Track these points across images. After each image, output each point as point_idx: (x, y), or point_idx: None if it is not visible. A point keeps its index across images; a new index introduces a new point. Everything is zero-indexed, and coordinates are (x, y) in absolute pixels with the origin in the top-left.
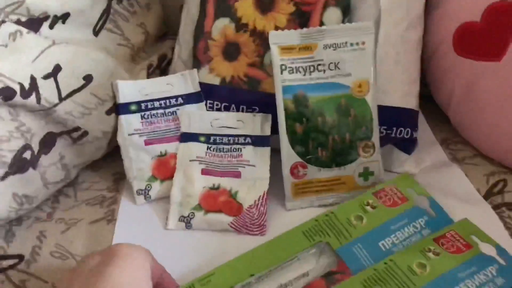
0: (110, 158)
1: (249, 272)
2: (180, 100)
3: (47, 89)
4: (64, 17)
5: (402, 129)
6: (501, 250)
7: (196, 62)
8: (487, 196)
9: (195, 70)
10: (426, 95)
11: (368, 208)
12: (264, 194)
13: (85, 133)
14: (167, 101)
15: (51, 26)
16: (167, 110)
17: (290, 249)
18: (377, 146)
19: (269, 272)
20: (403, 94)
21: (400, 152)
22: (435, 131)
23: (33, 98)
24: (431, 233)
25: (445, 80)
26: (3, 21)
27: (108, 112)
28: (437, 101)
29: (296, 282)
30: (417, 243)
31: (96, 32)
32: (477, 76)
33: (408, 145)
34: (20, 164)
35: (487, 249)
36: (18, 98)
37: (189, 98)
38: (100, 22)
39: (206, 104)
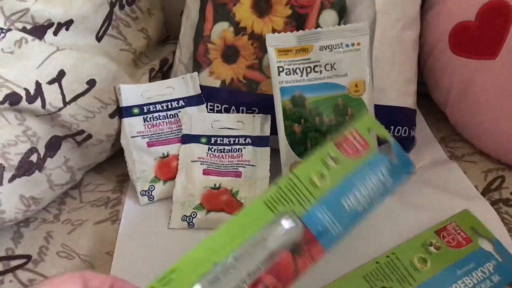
0: (114, 161)
1: (212, 261)
2: (181, 102)
3: (51, 94)
4: (68, 24)
5: (400, 127)
6: (499, 245)
7: (197, 65)
8: (485, 193)
9: (195, 73)
10: (424, 94)
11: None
12: None
13: (89, 136)
14: (169, 104)
15: (55, 33)
16: (168, 113)
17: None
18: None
19: (234, 261)
20: (400, 94)
21: None
22: (433, 129)
23: (38, 102)
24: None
25: (442, 78)
26: (9, 29)
27: (112, 116)
28: (434, 100)
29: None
30: (419, 236)
31: (99, 38)
32: (473, 74)
33: (406, 144)
34: (26, 167)
35: (486, 244)
36: (24, 103)
37: (190, 101)
38: (103, 28)
39: (207, 106)
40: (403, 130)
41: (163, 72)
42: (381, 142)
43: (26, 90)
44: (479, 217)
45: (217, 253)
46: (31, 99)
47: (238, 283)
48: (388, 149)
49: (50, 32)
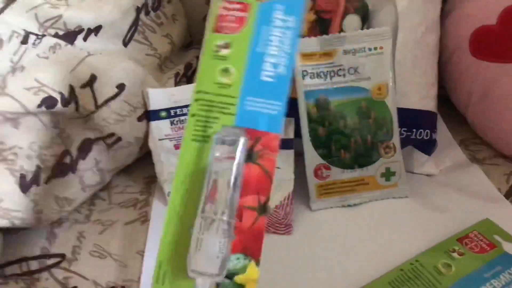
0: (142, 163)
1: (186, 228)
2: None
3: (84, 98)
4: (97, 29)
5: (422, 130)
6: None
7: None
8: (508, 195)
9: None
10: (443, 97)
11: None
12: (289, 195)
13: (119, 139)
14: None
15: (85, 38)
16: None
17: None
18: (398, 147)
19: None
20: (422, 97)
21: (420, 153)
22: (454, 133)
23: (72, 106)
24: None
25: (463, 82)
26: (44, 35)
27: (140, 119)
28: (454, 103)
29: None
30: (441, 244)
31: (125, 43)
32: (494, 78)
33: (428, 146)
34: (61, 169)
35: (510, 248)
36: (59, 106)
37: None
38: (129, 34)
39: None
40: (425, 133)
41: (188, 76)
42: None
43: (61, 94)
44: (503, 219)
45: (186, 221)
46: (65, 102)
47: (222, 226)
48: None
49: (80, 37)
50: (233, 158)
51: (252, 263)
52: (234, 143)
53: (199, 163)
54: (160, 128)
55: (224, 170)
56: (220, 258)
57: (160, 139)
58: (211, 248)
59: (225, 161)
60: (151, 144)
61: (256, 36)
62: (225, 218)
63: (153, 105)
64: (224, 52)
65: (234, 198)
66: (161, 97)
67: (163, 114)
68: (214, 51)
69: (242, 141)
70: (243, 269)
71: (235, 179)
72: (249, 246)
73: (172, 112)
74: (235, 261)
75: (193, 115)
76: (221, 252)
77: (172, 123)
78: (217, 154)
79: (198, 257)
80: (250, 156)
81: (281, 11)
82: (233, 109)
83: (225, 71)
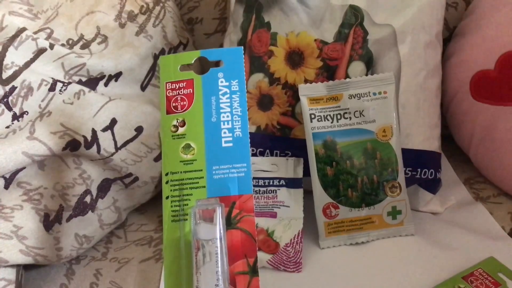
0: (155, 201)
1: None
2: None
3: (105, 140)
4: (117, 75)
5: (426, 170)
6: None
7: None
8: None
9: None
10: (448, 137)
11: None
12: (299, 233)
13: (136, 178)
14: None
15: (106, 84)
16: None
17: None
18: (403, 186)
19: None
20: (425, 138)
21: (426, 192)
22: (458, 171)
23: (94, 148)
24: None
25: (465, 123)
26: (69, 83)
27: (156, 159)
28: (458, 143)
29: None
30: (446, 281)
31: (143, 88)
32: (495, 119)
33: (432, 185)
34: (82, 208)
35: None
36: (82, 149)
37: None
38: (147, 79)
39: None
40: (429, 173)
41: None
42: None
43: (84, 137)
44: (507, 257)
45: None
46: (88, 145)
47: None
48: None
49: (101, 83)
50: (214, 229)
51: None
52: (211, 215)
53: (184, 241)
54: None
55: (207, 243)
56: None
57: None
58: None
59: (207, 233)
60: None
61: (207, 108)
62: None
63: None
64: (181, 130)
65: (224, 267)
66: None
67: None
68: (172, 131)
69: (218, 210)
70: None
71: (221, 249)
72: None
73: None
74: None
75: (167, 197)
76: None
77: None
78: (198, 228)
79: None
80: (229, 222)
81: (224, 78)
82: (202, 182)
83: (187, 147)
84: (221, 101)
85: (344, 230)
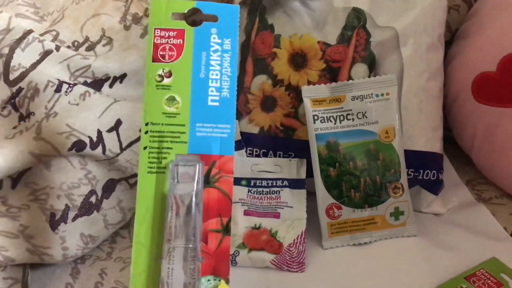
0: None
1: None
2: None
3: (110, 141)
4: (122, 77)
5: (429, 171)
6: None
7: (237, 113)
8: None
9: (236, 120)
10: (449, 138)
11: None
12: (302, 233)
13: None
14: None
15: (110, 86)
16: None
17: None
18: (406, 187)
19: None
20: (428, 139)
21: (428, 193)
22: (460, 173)
23: (99, 149)
24: None
25: (467, 125)
26: (75, 84)
27: None
28: (460, 145)
29: None
30: (449, 282)
31: None
32: (496, 121)
33: (435, 186)
34: (87, 207)
35: None
36: (87, 150)
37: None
38: None
39: (246, 151)
40: (432, 174)
41: None
42: None
43: (90, 138)
44: (509, 258)
45: (153, 251)
46: (93, 146)
47: (190, 252)
48: None
49: (106, 84)
50: (192, 185)
51: (223, 282)
52: (191, 171)
53: (158, 194)
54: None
55: (184, 198)
56: (192, 284)
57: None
58: (182, 276)
59: (184, 189)
60: None
61: (196, 63)
62: (191, 244)
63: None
64: (166, 81)
65: (198, 223)
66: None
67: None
68: (157, 81)
69: (198, 167)
70: None
71: (197, 205)
72: (217, 266)
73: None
74: (206, 283)
75: (145, 148)
76: (192, 278)
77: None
78: (176, 183)
79: (171, 286)
80: (207, 180)
81: (216, 34)
82: (184, 137)
83: (171, 100)
84: (211, 57)
85: (347, 230)
